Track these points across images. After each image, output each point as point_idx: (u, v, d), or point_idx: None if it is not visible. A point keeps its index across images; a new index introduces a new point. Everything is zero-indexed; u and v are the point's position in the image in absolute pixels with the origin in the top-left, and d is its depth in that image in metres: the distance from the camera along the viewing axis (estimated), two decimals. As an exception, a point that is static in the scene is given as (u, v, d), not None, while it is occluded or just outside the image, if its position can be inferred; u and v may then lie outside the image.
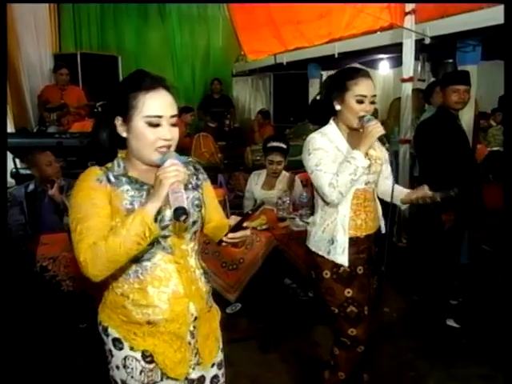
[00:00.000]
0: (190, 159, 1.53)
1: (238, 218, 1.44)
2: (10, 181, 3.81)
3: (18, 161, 3.85)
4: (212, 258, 2.93)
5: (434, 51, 5.49)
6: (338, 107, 1.99)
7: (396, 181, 2.06)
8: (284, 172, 3.67)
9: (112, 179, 1.31)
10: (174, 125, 1.30)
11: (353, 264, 2.02)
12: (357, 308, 2.03)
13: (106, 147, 1.36)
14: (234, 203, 4.07)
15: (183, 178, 1.22)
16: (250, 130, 7.19)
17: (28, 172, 3.44)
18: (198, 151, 5.62)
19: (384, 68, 6.80)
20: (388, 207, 2.13)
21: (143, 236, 1.19)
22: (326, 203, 2.01)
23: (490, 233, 3.20)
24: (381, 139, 1.94)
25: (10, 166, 3.83)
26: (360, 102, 1.92)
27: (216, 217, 1.55)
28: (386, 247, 2.04)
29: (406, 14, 4.13)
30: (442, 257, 3.10)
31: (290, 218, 3.26)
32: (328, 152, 1.96)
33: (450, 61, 5.30)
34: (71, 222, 1.26)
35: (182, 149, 5.94)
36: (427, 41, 4.09)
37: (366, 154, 1.92)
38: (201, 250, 2.94)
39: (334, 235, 2.00)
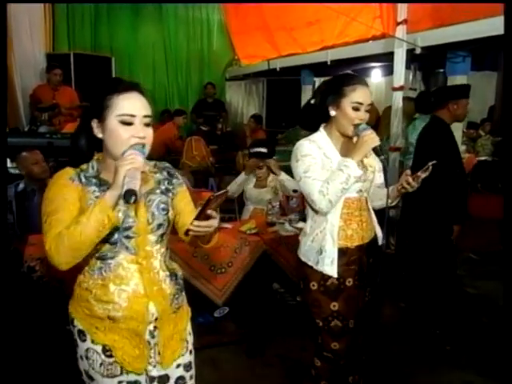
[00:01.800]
0: (167, 165, 1.57)
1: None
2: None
3: (8, 160, 3.82)
4: (201, 261, 2.92)
5: (425, 61, 5.57)
6: (332, 113, 1.94)
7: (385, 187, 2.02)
8: (274, 176, 3.71)
9: (83, 179, 1.38)
10: (147, 124, 1.35)
11: (342, 276, 1.96)
12: (341, 322, 1.99)
13: (83, 149, 1.43)
14: (224, 207, 4.07)
15: (139, 165, 1.25)
16: (242, 135, 7.19)
17: (18, 171, 3.42)
18: (189, 154, 5.60)
19: (376, 76, 6.89)
20: (379, 214, 2.10)
21: (103, 223, 1.24)
22: (315, 211, 1.97)
23: (476, 241, 3.23)
24: (375, 150, 1.88)
25: (0, 165, 3.80)
26: (356, 109, 1.88)
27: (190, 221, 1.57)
28: (380, 259, 2.03)
29: (398, 23, 4.18)
30: (447, 265, 3.13)
31: (279, 223, 3.26)
32: (316, 159, 1.92)
33: (441, 70, 5.38)
34: (43, 214, 1.33)
35: (174, 151, 5.96)
36: (418, 51, 4.16)
37: (359, 163, 1.88)
38: (190, 254, 2.94)
39: (323, 245, 1.95)
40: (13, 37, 5.29)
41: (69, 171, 1.39)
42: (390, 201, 1.96)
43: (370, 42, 4.91)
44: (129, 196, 1.19)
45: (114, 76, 6.47)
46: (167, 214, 1.46)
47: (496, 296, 3.74)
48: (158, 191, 1.46)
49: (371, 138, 1.83)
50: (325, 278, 1.96)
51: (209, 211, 1.32)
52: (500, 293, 3.66)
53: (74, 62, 6.04)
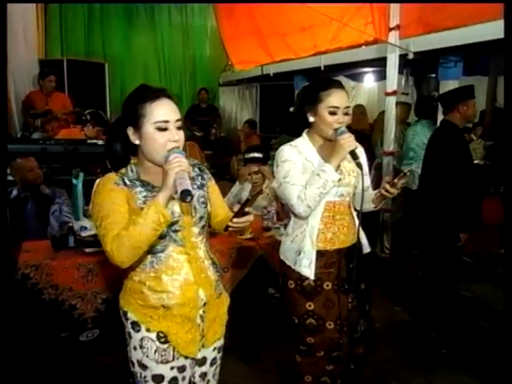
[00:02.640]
0: (196, 161, 1.69)
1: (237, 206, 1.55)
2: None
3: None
4: None
5: (417, 66, 5.61)
6: (311, 119, 1.97)
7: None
8: (268, 182, 3.72)
9: (127, 182, 1.48)
10: (179, 128, 1.46)
11: (319, 278, 1.98)
12: (316, 321, 2.01)
13: (120, 155, 1.54)
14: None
15: (186, 167, 1.36)
16: (236, 140, 7.23)
17: (11, 178, 3.40)
18: (183, 160, 5.60)
19: (369, 81, 6.93)
20: (367, 222, 2.12)
21: (158, 222, 1.35)
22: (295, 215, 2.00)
23: (470, 245, 3.26)
24: (352, 153, 1.89)
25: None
26: (333, 113, 1.89)
27: (221, 212, 1.69)
28: (365, 267, 2.04)
29: (391, 29, 4.22)
30: (450, 271, 3.13)
31: (274, 228, 3.26)
32: (296, 163, 1.94)
33: (433, 75, 5.43)
34: (95, 220, 1.43)
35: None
36: (410, 56, 4.18)
37: (338, 167, 1.89)
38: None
39: (302, 246, 1.98)
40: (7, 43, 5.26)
41: (113, 176, 1.49)
42: (373, 205, 2.04)
43: (363, 47, 4.93)
44: (185, 195, 1.31)
45: (107, 82, 6.51)
46: (206, 206, 1.59)
47: (491, 299, 3.77)
48: (195, 186, 1.56)
49: (347, 142, 1.85)
50: (302, 278, 2.00)
51: (247, 209, 1.48)
52: (494, 296, 3.73)
53: (67, 68, 6.02)
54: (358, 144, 1.91)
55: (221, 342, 1.69)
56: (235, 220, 1.47)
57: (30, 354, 2.47)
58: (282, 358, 2.93)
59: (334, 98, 1.89)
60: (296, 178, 1.92)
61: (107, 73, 6.56)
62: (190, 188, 1.33)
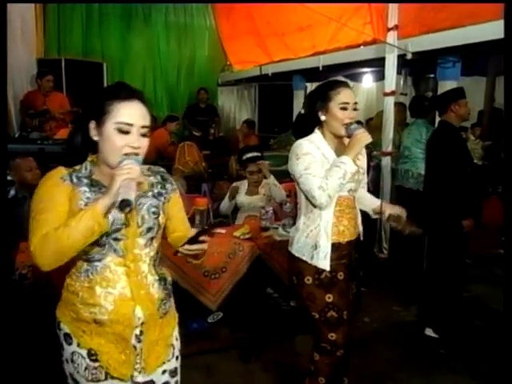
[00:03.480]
0: (161, 169, 1.58)
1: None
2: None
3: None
4: (194, 267, 2.90)
5: (416, 66, 5.62)
6: (322, 117, 2.07)
7: (377, 192, 2.13)
8: (264, 180, 3.76)
9: (74, 179, 1.38)
10: (144, 135, 1.36)
11: (334, 269, 2.06)
12: (337, 313, 2.07)
13: (78, 149, 1.44)
14: (217, 212, 4.08)
15: (135, 176, 1.28)
16: (234, 140, 7.22)
17: (9, 178, 3.41)
18: (182, 160, 5.62)
19: (367, 81, 6.94)
20: (365, 215, 2.27)
21: (92, 230, 1.25)
22: (313, 207, 2.05)
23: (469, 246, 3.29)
24: (367, 146, 2.04)
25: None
26: (344, 108, 2.01)
27: (181, 228, 1.59)
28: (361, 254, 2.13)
29: (389, 29, 4.21)
30: (456, 260, 3.18)
31: (272, 228, 3.29)
32: (315, 157, 2.02)
33: (431, 76, 5.43)
34: (31, 210, 1.32)
35: (167, 157, 5.96)
36: (409, 56, 4.18)
37: (353, 161, 1.99)
38: (184, 259, 2.93)
39: (317, 240, 2.04)
40: (3, 42, 5.27)
41: (61, 170, 1.39)
42: (374, 216, 2.27)
43: (362, 47, 4.94)
44: (124, 206, 1.24)
45: (105, 81, 6.50)
46: (157, 217, 1.46)
47: (488, 299, 3.80)
48: (149, 194, 1.47)
49: (364, 136, 1.98)
50: (319, 271, 2.06)
51: (201, 238, 1.38)
52: (492, 296, 3.75)
53: (65, 68, 6.03)
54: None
55: (173, 365, 1.55)
56: (186, 247, 1.40)
57: (28, 353, 2.46)
58: (281, 357, 2.97)
59: (343, 95, 2.02)
60: (317, 170, 1.99)
61: (105, 72, 6.56)
62: (132, 198, 1.25)
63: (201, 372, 2.78)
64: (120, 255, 1.39)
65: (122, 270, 1.39)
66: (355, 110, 2.05)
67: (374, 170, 4.68)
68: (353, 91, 2.11)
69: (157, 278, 1.48)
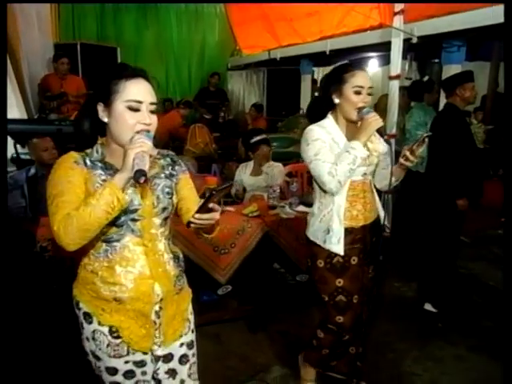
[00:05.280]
0: (170, 152, 1.60)
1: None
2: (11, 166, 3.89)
3: (18, 146, 3.93)
4: (205, 243, 2.97)
5: (421, 51, 5.65)
6: (336, 100, 2.03)
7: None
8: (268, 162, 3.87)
9: (88, 163, 1.39)
10: (152, 112, 1.38)
11: (347, 254, 2.06)
12: (346, 297, 2.10)
13: (87, 133, 1.44)
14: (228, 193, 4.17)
15: (148, 148, 1.28)
16: (243, 123, 7.30)
17: (28, 157, 3.52)
18: (193, 141, 5.73)
19: (373, 66, 6.96)
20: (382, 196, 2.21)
21: (112, 205, 1.26)
22: (324, 192, 2.05)
23: (468, 225, 3.37)
24: (379, 131, 1.99)
25: (11, 151, 3.89)
26: (358, 92, 1.97)
27: (194, 207, 1.52)
28: (381, 238, 2.15)
29: (395, 13, 4.25)
30: (451, 238, 3.24)
31: (280, 206, 3.36)
32: (325, 143, 2.01)
33: (436, 60, 5.45)
34: (48, 197, 1.34)
35: (178, 139, 6.09)
36: (414, 40, 4.23)
37: (365, 145, 1.96)
38: (195, 235, 3.05)
39: (330, 225, 2.05)
40: (21, 27, 5.35)
41: (73, 155, 1.39)
42: (394, 179, 2.03)
43: (368, 31, 4.99)
44: (139, 175, 1.23)
45: (119, 65, 6.58)
46: (171, 197, 1.49)
47: (486, 277, 3.89)
48: (162, 175, 1.49)
49: (375, 120, 1.93)
50: (331, 255, 2.08)
51: (211, 205, 1.32)
52: (490, 273, 3.85)
53: (80, 52, 6.11)
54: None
55: (189, 338, 1.59)
56: (197, 216, 1.31)
57: (49, 323, 2.56)
58: (286, 328, 3.08)
59: (358, 79, 1.97)
60: (327, 155, 1.98)
61: (119, 57, 6.63)
62: (146, 169, 1.24)
63: (210, 340, 2.90)
64: (138, 235, 1.42)
65: (140, 249, 1.42)
66: (370, 94, 1.99)
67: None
68: (369, 75, 2.05)
69: (171, 255, 1.52)
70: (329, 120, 2.09)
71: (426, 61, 6.28)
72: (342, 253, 2.05)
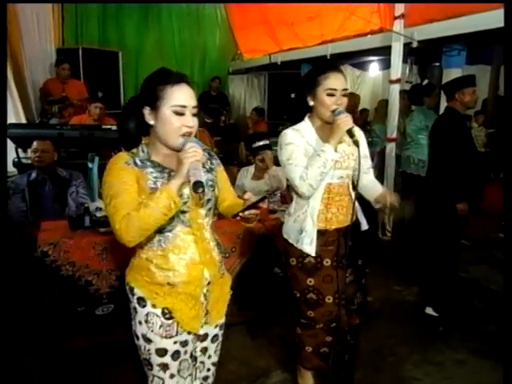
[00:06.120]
0: (205, 147, 1.69)
1: (254, 197, 1.60)
2: (13, 170, 3.89)
3: (20, 150, 3.95)
4: None
5: (421, 55, 5.65)
6: (311, 103, 2.05)
7: (382, 178, 2.14)
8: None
9: (138, 162, 1.50)
10: (194, 114, 1.50)
11: (319, 255, 2.09)
12: (316, 296, 2.13)
13: (132, 134, 1.57)
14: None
15: (201, 157, 1.42)
16: (244, 127, 7.30)
17: (29, 161, 3.53)
18: (194, 145, 5.72)
19: (374, 70, 6.97)
20: (368, 204, 2.21)
21: (169, 207, 1.39)
22: (299, 195, 2.09)
23: (468, 228, 3.36)
24: (349, 132, 1.93)
25: (13, 155, 3.91)
26: (331, 95, 1.96)
27: (229, 196, 1.74)
28: (362, 243, 2.15)
29: (396, 18, 4.27)
30: (452, 241, 3.23)
31: (280, 210, 3.34)
32: (299, 146, 2.02)
33: (437, 64, 5.45)
34: (105, 198, 1.46)
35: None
36: (415, 44, 4.24)
37: (337, 149, 1.97)
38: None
39: (303, 226, 2.08)
40: (23, 32, 5.36)
41: (124, 156, 1.51)
42: (376, 205, 2.14)
43: (369, 36, 5.00)
44: (197, 187, 1.35)
45: (121, 70, 6.65)
46: (214, 190, 1.63)
47: (487, 280, 3.88)
48: (204, 170, 1.57)
49: (344, 121, 1.92)
50: (303, 255, 2.11)
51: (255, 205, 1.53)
52: (491, 277, 3.83)
53: (82, 57, 6.12)
54: (354, 124, 1.97)
55: (223, 320, 1.73)
56: (247, 212, 1.51)
57: (49, 327, 2.58)
58: (287, 333, 3.01)
59: (332, 81, 1.97)
60: (299, 159, 2.00)
61: (121, 61, 6.68)
62: (203, 180, 1.37)
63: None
64: (187, 225, 1.55)
65: (190, 238, 1.56)
66: (344, 96, 1.98)
67: (378, 156, 4.75)
68: (344, 76, 2.03)
69: (215, 243, 1.66)
70: (304, 123, 2.10)
71: (427, 64, 6.28)
72: (313, 254, 2.08)
